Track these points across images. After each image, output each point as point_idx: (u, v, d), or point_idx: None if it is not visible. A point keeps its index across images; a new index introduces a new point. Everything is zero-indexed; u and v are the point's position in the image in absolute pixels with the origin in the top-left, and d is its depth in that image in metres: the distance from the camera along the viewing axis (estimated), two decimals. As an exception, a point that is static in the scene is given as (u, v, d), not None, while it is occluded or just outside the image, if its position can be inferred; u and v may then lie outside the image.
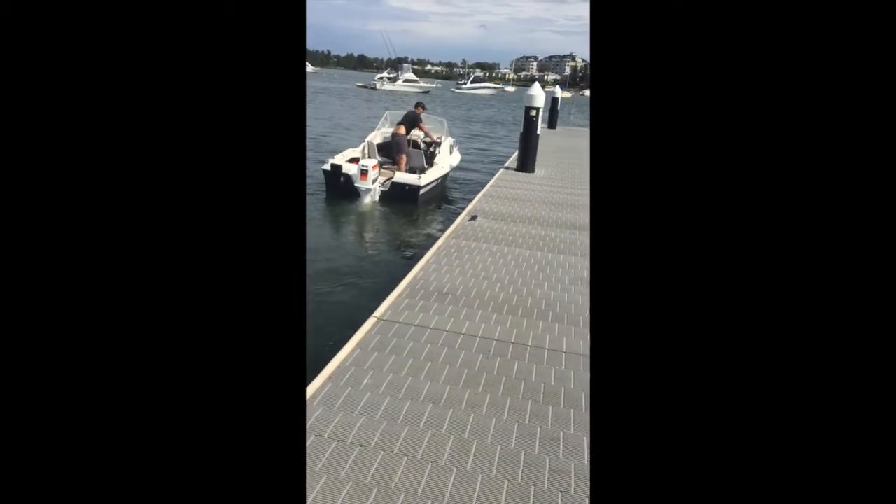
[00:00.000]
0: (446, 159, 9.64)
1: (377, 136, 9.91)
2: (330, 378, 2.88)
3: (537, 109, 9.52)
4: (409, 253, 6.20)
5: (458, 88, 73.69)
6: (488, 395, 2.83)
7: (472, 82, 77.86)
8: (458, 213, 7.38)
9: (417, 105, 9.59)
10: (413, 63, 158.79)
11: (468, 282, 4.38)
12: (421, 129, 9.45)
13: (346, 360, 3.07)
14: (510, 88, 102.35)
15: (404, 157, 8.98)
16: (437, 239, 5.71)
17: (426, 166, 9.22)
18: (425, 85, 66.79)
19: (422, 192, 8.30)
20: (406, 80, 63.55)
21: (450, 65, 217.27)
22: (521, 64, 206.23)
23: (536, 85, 10.03)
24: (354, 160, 8.78)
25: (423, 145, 9.46)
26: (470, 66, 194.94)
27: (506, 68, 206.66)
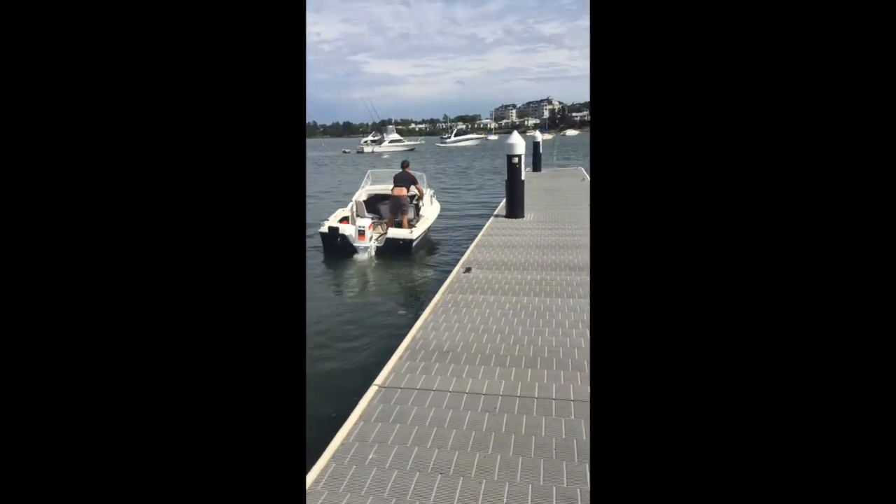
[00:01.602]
0: (429, 210, 10.23)
1: (362, 195, 10.53)
2: (333, 458, 2.75)
3: (519, 156, 9.68)
4: (403, 311, 6.11)
5: (442, 143, 74.94)
6: (499, 457, 2.69)
7: (455, 135, 79.27)
8: (452, 265, 7.41)
9: (405, 164, 9.97)
10: (396, 123, 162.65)
11: (468, 336, 4.28)
12: (417, 188, 9.93)
13: (349, 435, 2.94)
14: (493, 137, 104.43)
15: (406, 217, 9.47)
16: (433, 294, 5.64)
17: (415, 218, 9.82)
18: (410, 143, 68.09)
19: (414, 244, 8.86)
20: (391, 141, 64.78)
21: (432, 121, 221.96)
22: (500, 112, 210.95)
23: (515, 133, 10.25)
24: (344, 220, 9.42)
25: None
26: (452, 120, 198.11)
27: (486, 118, 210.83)
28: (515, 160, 9.64)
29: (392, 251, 8.68)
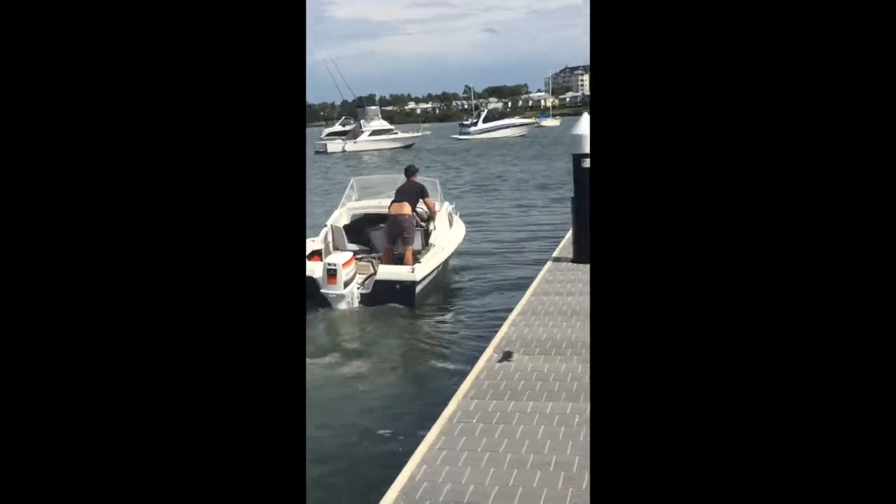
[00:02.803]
0: (446, 236, 10.55)
1: (342, 216, 10.91)
2: None
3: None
4: (388, 431, 5.97)
5: (463, 133, 75.17)
6: None
7: (484, 120, 78.91)
8: (479, 342, 7.49)
9: (411, 172, 10.42)
10: (383, 102, 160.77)
11: (505, 477, 4.21)
12: (427, 204, 10.41)
13: None
14: (550, 122, 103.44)
15: (409, 248, 9.89)
16: (446, 396, 5.62)
17: (422, 248, 10.24)
18: (406, 135, 67.82)
19: (419, 288, 9.25)
20: (374, 133, 64.04)
21: (445, 97, 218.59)
22: (562, 80, 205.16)
23: (585, 118, 10.04)
24: (316, 255, 9.80)
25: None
26: (479, 95, 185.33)
27: (539, 91, 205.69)
28: (586, 163, 9.51)
29: (383, 299, 9.06)
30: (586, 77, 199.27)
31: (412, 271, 9.20)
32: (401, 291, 9.10)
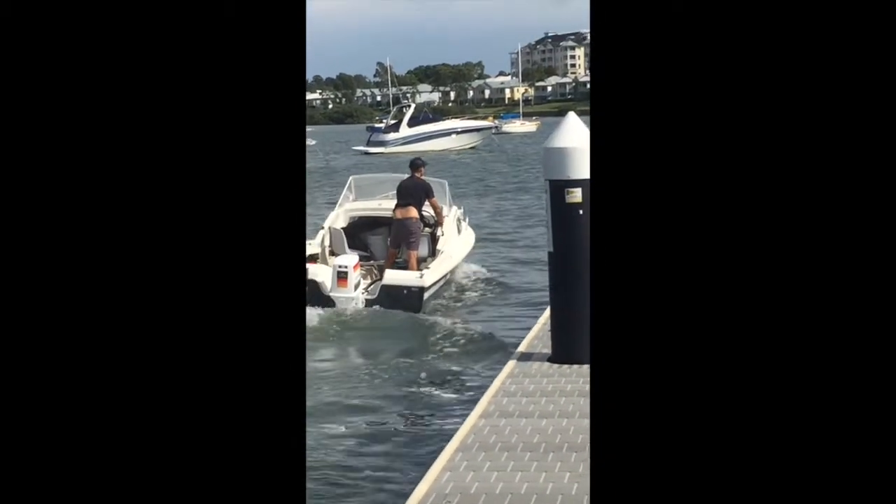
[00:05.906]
0: (454, 243, 10.78)
1: (340, 218, 11.15)
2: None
3: (581, 187, 6.60)
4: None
5: (374, 143, 57.55)
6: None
7: (410, 122, 58.97)
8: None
9: (416, 167, 10.67)
10: None
11: None
12: (433, 204, 10.63)
13: None
14: (519, 125, 77.83)
15: (414, 254, 10.25)
16: None
17: (429, 255, 10.70)
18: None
19: (427, 294, 9.75)
20: None
21: (344, 83, 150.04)
22: (542, 57, 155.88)
23: (570, 121, 7.09)
24: (312, 258, 9.96)
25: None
26: (401, 80, 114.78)
27: (503, 74, 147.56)
28: (576, 195, 6.68)
29: (388, 305, 9.50)
30: (580, 52, 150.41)
31: (421, 276, 9.80)
32: (408, 297, 9.67)
